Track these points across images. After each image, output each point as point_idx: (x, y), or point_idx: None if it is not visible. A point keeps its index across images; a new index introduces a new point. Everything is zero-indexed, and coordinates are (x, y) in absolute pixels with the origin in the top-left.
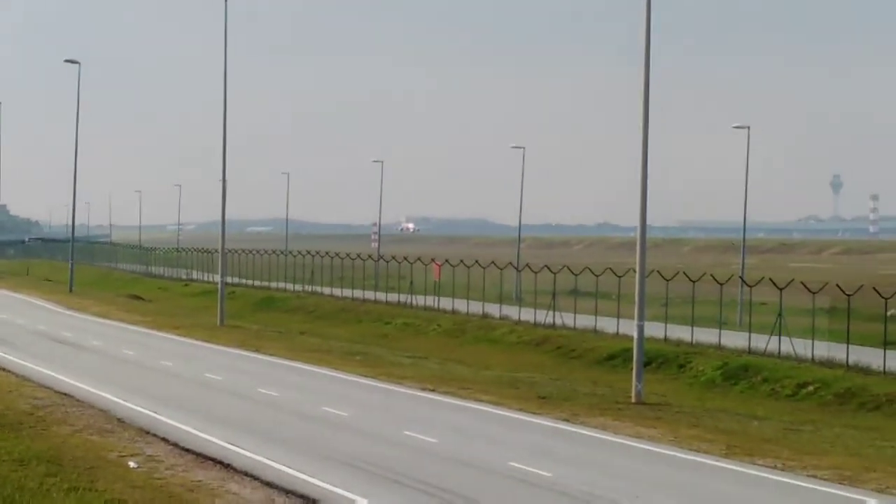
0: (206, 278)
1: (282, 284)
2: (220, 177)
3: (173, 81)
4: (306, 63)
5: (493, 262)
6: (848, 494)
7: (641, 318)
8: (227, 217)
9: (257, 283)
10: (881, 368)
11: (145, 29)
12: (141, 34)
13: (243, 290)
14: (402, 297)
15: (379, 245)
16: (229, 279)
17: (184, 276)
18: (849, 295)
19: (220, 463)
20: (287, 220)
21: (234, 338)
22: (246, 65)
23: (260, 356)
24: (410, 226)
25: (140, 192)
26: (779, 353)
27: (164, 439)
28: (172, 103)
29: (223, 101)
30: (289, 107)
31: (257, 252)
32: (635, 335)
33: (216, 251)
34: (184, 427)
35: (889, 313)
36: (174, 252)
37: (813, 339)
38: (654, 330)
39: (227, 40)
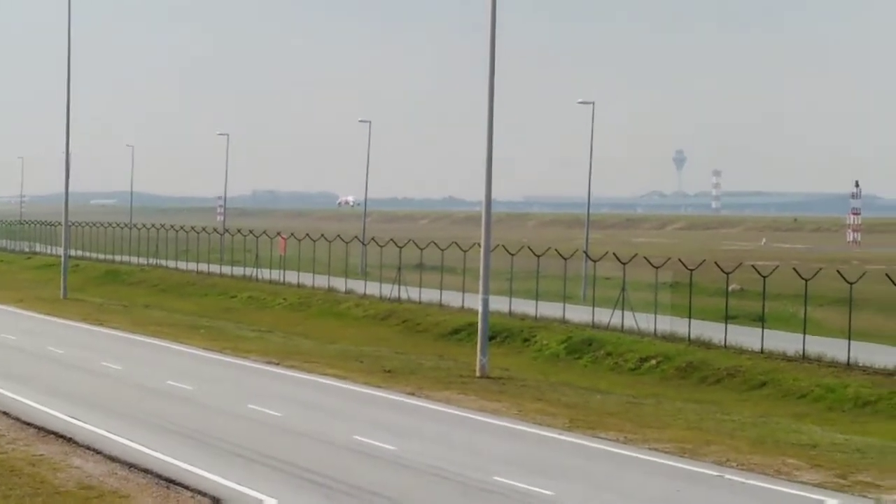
0: (49, 251)
1: (126, 258)
2: (63, 149)
3: (16, 50)
4: (153, 31)
5: (338, 235)
6: (688, 467)
7: (486, 291)
8: (70, 189)
9: (101, 256)
10: (722, 342)
11: None
12: None
13: (87, 263)
14: (248, 271)
15: (224, 218)
16: (73, 252)
17: (26, 249)
18: (691, 270)
19: (63, 437)
20: (132, 192)
21: (77, 311)
22: (92, 32)
23: (103, 329)
24: (350, 198)
25: None
26: (622, 327)
27: (5, 413)
28: (14, 73)
29: (66, 72)
30: (135, 77)
31: (101, 225)
32: (480, 309)
33: (59, 224)
34: (25, 401)
35: (730, 288)
36: (16, 225)
37: (656, 314)
38: (499, 304)
39: (70, 13)
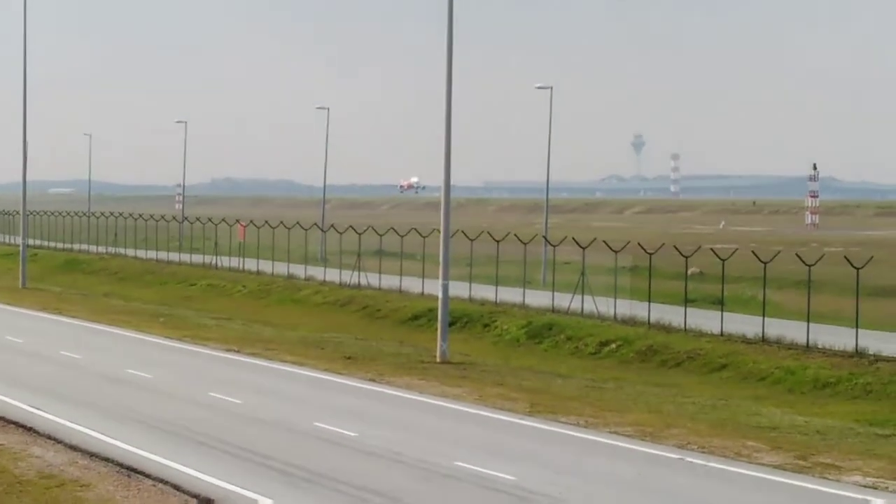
0: (7, 240)
1: (85, 246)
2: (21, 137)
3: None
4: (109, 18)
5: (298, 222)
6: (649, 450)
7: (446, 277)
8: (28, 178)
9: (60, 245)
10: (682, 326)
11: None
12: None
13: (46, 252)
14: (207, 259)
15: (183, 206)
16: (31, 241)
17: None
18: (650, 254)
19: (23, 426)
20: (90, 181)
21: (36, 300)
22: (48, 19)
23: (63, 318)
24: (414, 180)
25: None
26: (582, 311)
27: None
28: None
29: (23, 61)
30: (93, 65)
31: (60, 214)
32: (440, 295)
33: (17, 213)
34: None
35: (689, 272)
36: None
37: (615, 298)
38: (459, 290)
39: (25, 2)
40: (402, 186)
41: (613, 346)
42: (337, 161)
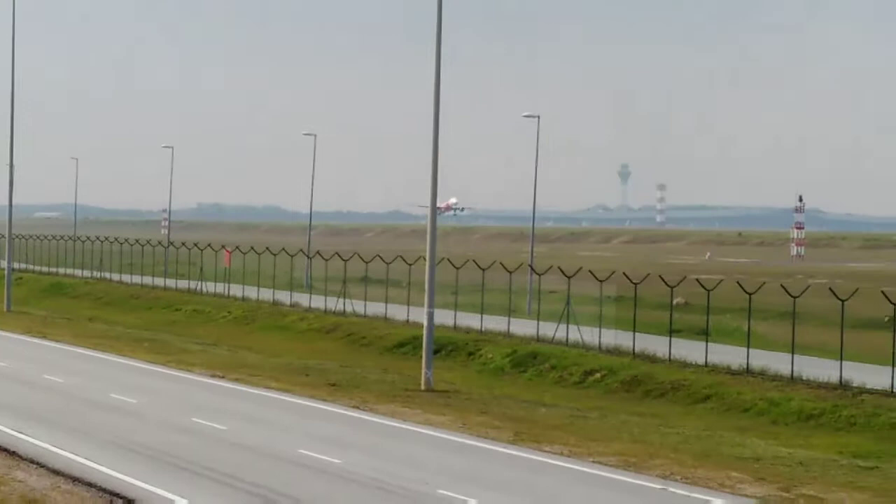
0: None
1: (70, 270)
2: (7, 161)
3: None
4: (95, 45)
5: (283, 249)
6: (632, 480)
7: (431, 305)
8: (13, 202)
9: (45, 268)
10: (666, 356)
11: None
12: None
13: (31, 275)
14: (193, 284)
15: (169, 231)
16: (16, 265)
17: None
18: (635, 283)
19: (6, 451)
20: (76, 205)
21: (20, 324)
22: (34, 42)
23: (46, 342)
24: (453, 200)
25: None
26: (567, 340)
27: None
28: None
29: (10, 84)
30: (78, 89)
31: (45, 237)
32: (425, 322)
33: (2, 236)
34: None
35: (674, 302)
36: None
37: (600, 327)
38: (445, 318)
39: (14, 26)
40: (439, 208)
41: (598, 375)
42: (323, 187)
